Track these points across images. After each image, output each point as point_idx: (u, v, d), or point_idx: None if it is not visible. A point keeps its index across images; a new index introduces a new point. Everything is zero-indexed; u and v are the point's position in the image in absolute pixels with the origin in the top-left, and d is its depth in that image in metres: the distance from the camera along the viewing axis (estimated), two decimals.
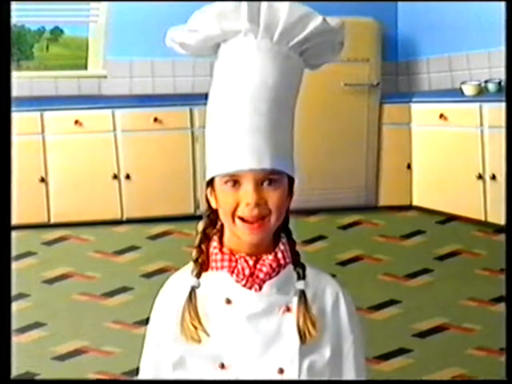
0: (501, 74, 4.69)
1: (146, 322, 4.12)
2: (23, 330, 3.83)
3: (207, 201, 1.69)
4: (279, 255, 1.67)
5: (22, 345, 3.67)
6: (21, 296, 4.16)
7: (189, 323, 1.65)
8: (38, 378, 3.45)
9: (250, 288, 1.64)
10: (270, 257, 1.65)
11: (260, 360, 1.64)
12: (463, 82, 5.31)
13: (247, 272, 1.64)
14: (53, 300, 4.23)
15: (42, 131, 5.33)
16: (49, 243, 5.01)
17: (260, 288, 1.65)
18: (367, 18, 5.49)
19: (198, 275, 1.68)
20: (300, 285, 1.67)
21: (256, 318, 1.64)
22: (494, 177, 5.03)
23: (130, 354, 3.61)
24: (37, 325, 3.91)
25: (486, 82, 5.19)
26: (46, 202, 5.35)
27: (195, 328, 1.65)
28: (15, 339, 3.47)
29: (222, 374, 1.65)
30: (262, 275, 1.64)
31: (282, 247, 1.68)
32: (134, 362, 3.53)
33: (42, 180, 5.33)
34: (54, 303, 4.19)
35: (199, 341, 1.64)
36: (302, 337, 1.63)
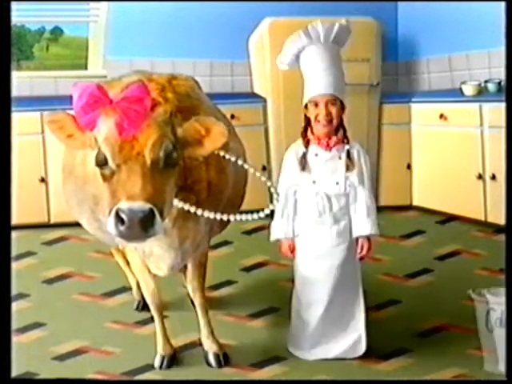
0: (501, 74, 4.70)
1: (146, 322, 4.15)
2: (23, 329, 3.83)
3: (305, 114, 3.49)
4: (339, 136, 3.46)
5: (21, 345, 3.67)
6: (21, 296, 4.16)
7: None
8: (37, 377, 3.44)
9: (326, 149, 3.46)
10: (335, 137, 3.45)
11: (329, 178, 3.45)
12: (463, 82, 5.31)
13: (325, 143, 3.45)
14: (53, 300, 4.23)
15: (42, 131, 5.33)
16: (49, 243, 5.01)
17: (330, 150, 3.45)
18: (367, 17, 5.50)
19: (306, 146, 3.48)
20: (347, 147, 3.46)
21: (328, 161, 3.46)
22: (493, 177, 5.03)
23: (130, 354, 3.62)
24: (37, 325, 3.91)
25: (485, 82, 5.19)
26: (45, 202, 5.35)
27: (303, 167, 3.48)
28: (15, 339, 3.47)
29: (314, 186, 3.45)
30: (331, 144, 3.46)
31: (339, 134, 3.47)
32: (134, 362, 3.55)
33: (42, 180, 5.33)
34: (54, 303, 4.19)
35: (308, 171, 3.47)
36: (347, 168, 3.45)
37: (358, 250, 3.49)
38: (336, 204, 3.45)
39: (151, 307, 3.54)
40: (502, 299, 3.24)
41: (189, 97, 3.27)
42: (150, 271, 3.40)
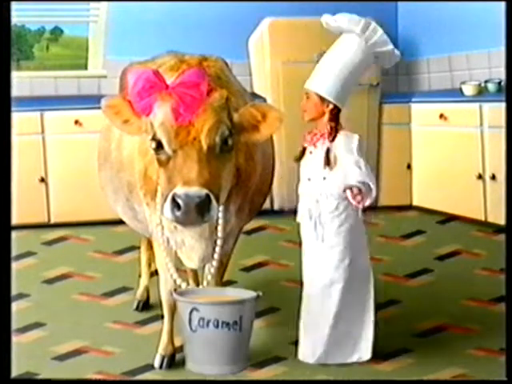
0: (501, 74, 4.70)
1: (146, 322, 4.14)
2: (23, 329, 3.83)
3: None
4: (321, 132, 3.36)
5: (21, 345, 3.66)
6: (21, 296, 4.16)
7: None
8: (37, 377, 3.44)
9: (310, 145, 3.40)
10: (317, 133, 3.39)
11: (318, 175, 3.35)
12: (463, 82, 5.31)
13: (309, 138, 3.41)
14: (53, 300, 4.23)
15: (42, 131, 5.33)
16: (49, 243, 5.01)
17: (315, 146, 3.37)
18: (367, 18, 5.49)
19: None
20: (327, 144, 3.34)
21: (316, 157, 3.36)
22: (493, 177, 5.03)
23: (130, 354, 3.62)
24: (37, 325, 3.90)
25: (485, 82, 5.19)
26: (46, 202, 5.35)
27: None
28: (15, 339, 3.46)
29: (309, 183, 3.38)
30: (314, 139, 3.39)
31: (323, 130, 3.37)
32: (134, 362, 3.54)
33: (42, 180, 5.33)
34: (54, 303, 4.19)
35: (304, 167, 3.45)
36: (327, 164, 3.33)
37: (351, 200, 3.32)
38: (324, 203, 3.39)
39: (164, 305, 3.51)
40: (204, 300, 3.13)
41: (219, 78, 3.26)
42: (177, 268, 3.35)
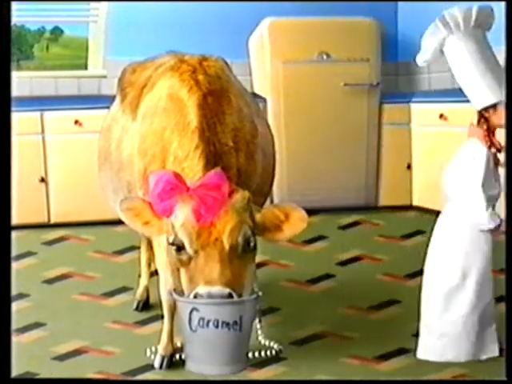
0: None
1: (146, 322, 4.13)
2: (23, 329, 3.83)
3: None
4: None
5: (21, 345, 3.67)
6: (21, 296, 4.16)
7: None
8: (37, 377, 3.44)
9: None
10: None
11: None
12: None
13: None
14: (53, 300, 4.23)
15: (42, 131, 5.33)
16: (49, 243, 5.01)
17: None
18: (367, 17, 5.50)
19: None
20: None
21: None
22: None
23: (130, 354, 3.62)
24: (37, 325, 3.91)
25: None
26: (46, 202, 5.35)
27: None
28: (15, 339, 3.47)
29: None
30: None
31: None
32: (134, 362, 3.54)
33: (42, 180, 5.33)
34: (54, 303, 4.19)
35: None
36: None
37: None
38: None
39: (164, 305, 3.53)
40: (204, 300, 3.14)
41: (219, 78, 3.28)
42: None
